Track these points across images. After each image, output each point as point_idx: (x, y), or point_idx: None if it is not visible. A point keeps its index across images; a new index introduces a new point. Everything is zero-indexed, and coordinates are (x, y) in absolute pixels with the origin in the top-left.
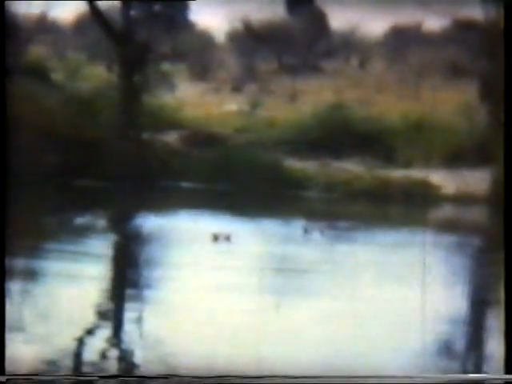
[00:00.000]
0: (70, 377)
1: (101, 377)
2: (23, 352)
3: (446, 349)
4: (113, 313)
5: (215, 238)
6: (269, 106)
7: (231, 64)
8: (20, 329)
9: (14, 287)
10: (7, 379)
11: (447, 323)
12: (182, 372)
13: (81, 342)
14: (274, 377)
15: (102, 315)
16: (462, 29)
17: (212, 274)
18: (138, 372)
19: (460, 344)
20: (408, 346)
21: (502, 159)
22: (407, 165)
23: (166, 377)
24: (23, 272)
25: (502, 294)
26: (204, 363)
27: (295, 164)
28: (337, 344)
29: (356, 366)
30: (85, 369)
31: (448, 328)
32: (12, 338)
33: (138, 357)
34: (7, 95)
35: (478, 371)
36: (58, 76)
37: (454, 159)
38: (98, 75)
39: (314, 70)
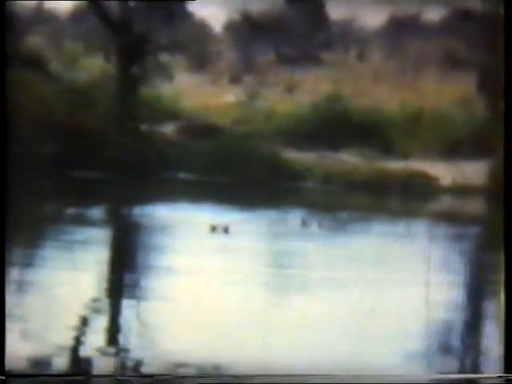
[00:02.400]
0: (68, 377)
1: (98, 376)
2: (20, 343)
3: (444, 341)
4: (110, 302)
5: (213, 229)
6: (267, 97)
7: (229, 55)
8: (18, 319)
9: (12, 277)
10: (6, 378)
11: (446, 314)
12: (178, 364)
13: (77, 334)
14: (270, 376)
15: (99, 305)
16: (461, 19)
17: (209, 265)
18: (135, 365)
19: (458, 336)
20: (407, 340)
21: (500, 150)
22: (405, 156)
23: (163, 376)
24: (22, 262)
25: (501, 285)
26: (201, 356)
27: (293, 155)
28: (336, 339)
29: (354, 364)
30: (81, 363)
31: (446, 319)
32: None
33: (135, 350)
34: (5, 85)
35: (476, 364)
36: (55, 66)
37: (452, 150)
38: (95, 65)
39: (313, 61)
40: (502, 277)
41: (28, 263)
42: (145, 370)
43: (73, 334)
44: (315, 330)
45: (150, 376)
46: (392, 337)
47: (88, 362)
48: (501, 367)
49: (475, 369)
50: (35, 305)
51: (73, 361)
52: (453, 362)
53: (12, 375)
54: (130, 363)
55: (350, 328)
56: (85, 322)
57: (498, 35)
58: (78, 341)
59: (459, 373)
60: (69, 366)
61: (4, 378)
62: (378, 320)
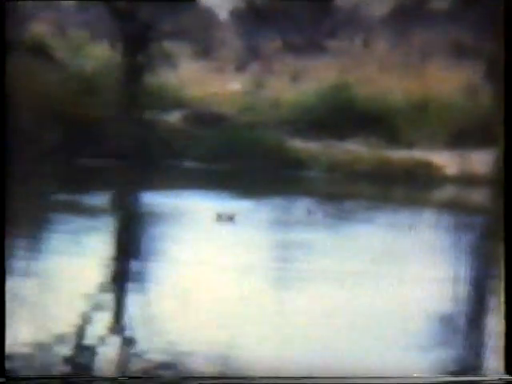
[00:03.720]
0: (69, 379)
1: (100, 379)
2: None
3: (445, 341)
4: (114, 292)
5: (219, 217)
6: (272, 86)
7: (234, 43)
8: (20, 307)
9: (14, 267)
10: (6, 381)
11: (450, 310)
12: (184, 359)
13: (80, 327)
14: (266, 378)
15: (103, 296)
16: (468, 7)
17: (215, 254)
18: (140, 359)
19: (459, 327)
20: (407, 334)
21: (507, 140)
22: (411, 145)
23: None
24: (24, 252)
25: (502, 276)
26: (205, 350)
27: (298, 144)
28: (337, 336)
29: (353, 364)
30: (82, 354)
31: (449, 315)
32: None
33: (140, 342)
34: (8, 73)
35: (477, 365)
36: (60, 54)
37: (458, 139)
38: (100, 53)
39: (318, 49)
40: (502, 270)
41: (30, 253)
42: (148, 363)
43: (73, 327)
44: (318, 325)
45: (155, 377)
46: (393, 334)
47: (90, 355)
48: (501, 369)
49: (476, 370)
50: (37, 295)
51: (74, 350)
52: (453, 362)
53: (12, 377)
54: (134, 357)
55: (353, 323)
56: (87, 314)
57: (505, 23)
58: (79, 334)
59: (459, 374)
60: (70, 358)
61: (4, 379)
62: (381, 309)
